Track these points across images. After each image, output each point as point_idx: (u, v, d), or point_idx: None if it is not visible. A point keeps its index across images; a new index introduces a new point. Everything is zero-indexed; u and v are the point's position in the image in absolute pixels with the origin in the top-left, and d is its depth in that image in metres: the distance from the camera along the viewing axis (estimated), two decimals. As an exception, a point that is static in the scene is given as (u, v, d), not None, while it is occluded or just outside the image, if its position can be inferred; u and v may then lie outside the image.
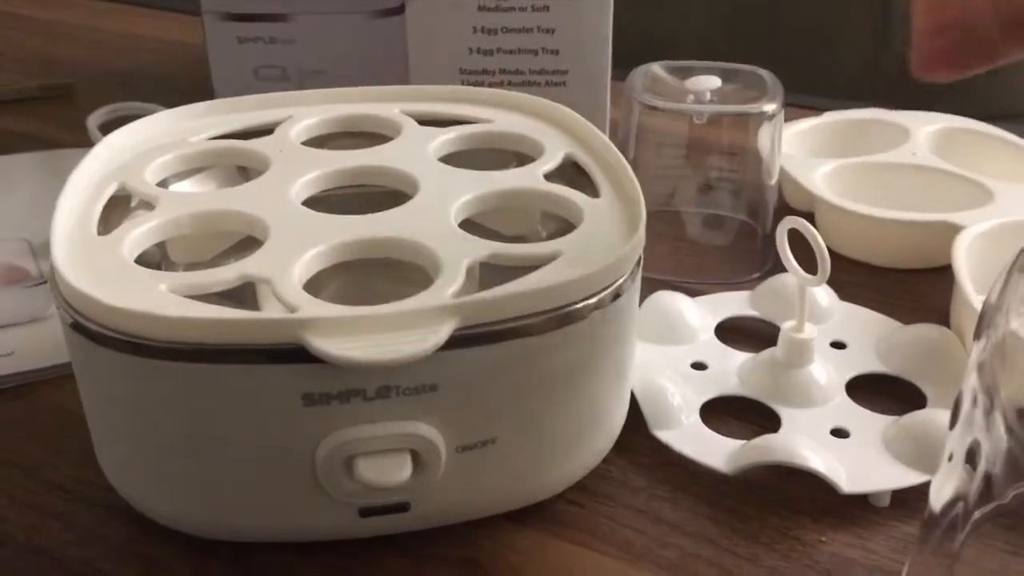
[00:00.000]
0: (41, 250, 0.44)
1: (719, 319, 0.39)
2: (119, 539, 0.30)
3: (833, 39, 1.07)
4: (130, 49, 0.75)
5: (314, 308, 0.26)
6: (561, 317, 0.27)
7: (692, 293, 0.40)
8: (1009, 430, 0.21)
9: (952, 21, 0.22)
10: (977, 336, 0.21)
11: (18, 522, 0.30)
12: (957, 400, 0.22)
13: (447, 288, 0.27)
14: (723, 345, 0.38)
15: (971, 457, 0.22)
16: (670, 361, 0.36)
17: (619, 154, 0.34)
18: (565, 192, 0.32)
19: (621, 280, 0.28)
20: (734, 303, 0.40)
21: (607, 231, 0.30)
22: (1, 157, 0.54)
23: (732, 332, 0.39)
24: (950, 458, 0.23)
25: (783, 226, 0.33)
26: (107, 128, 0.54)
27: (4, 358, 0.37)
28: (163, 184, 0.34)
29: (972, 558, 0.23)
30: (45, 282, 0.42)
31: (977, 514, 0.22)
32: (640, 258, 0.29)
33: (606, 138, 0.35)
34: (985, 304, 0.22)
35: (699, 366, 0.36)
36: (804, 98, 0.65)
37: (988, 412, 0.21)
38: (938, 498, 0.24)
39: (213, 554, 0.29)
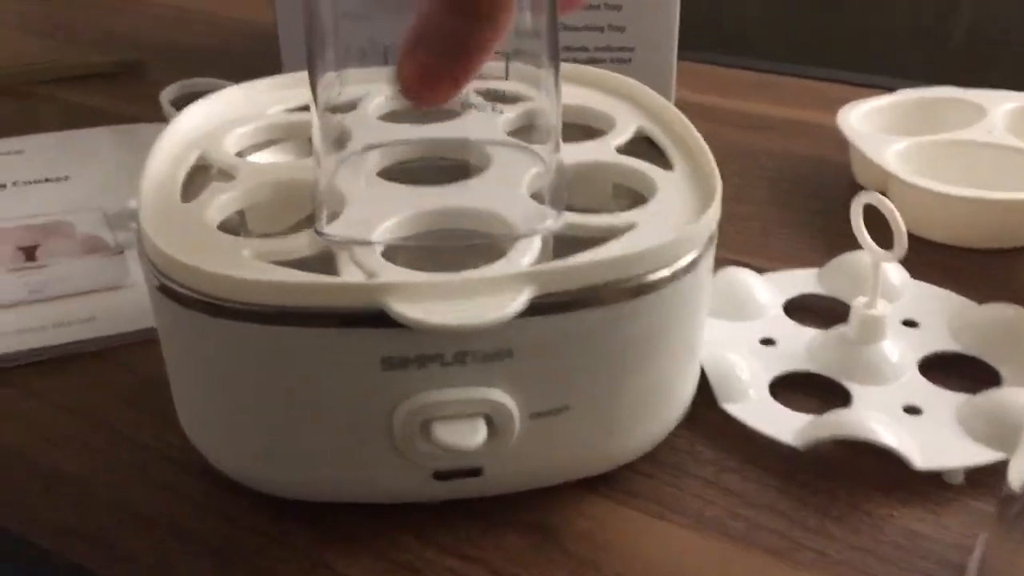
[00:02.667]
0: (116, 221, 0.46)
1: (787, 296, 0.39)
2: (198, 495, 0.31)
3: (890, 30, 1.06)
4: (195, 24, 0.77)
5: (393, 273, 0.26)
6: (636, 287, 0.27)
7: (760, 270, 0.40)
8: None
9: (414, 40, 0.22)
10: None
11: (100, 478, 0.32)
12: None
13: (524, 257, 0.27)
14: (792, 322, 0.37)
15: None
16: (739, 336, 0.36)
17: (692, 127, 0.33)
18: (638, 164, 0.32)
19: (696, 252, 0.28)
20: (802, 281, 0.40)
21: (681, 203, 0.30)
22: (75, 131, 0.55)
23: (800, 310, 0.38)
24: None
25: (857, 201, 0.33)
26: (179, 103, 0.55)
27: (86, 323, 0.39)
28: (241, 155, 0.35)
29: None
30: (123, 252, 0.43)
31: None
32: (715, 232, 0.29)
33: (678, 111, 0.35)
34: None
35: (768, 342, 0.36)
36: (873, 77, 0.64)
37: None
38: (1017, 477, 0.24)
39: (288, 513, 0.30)
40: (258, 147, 0.36)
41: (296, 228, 0.34)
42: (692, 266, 0.28)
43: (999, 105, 0.48)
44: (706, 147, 0.32)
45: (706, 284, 0.30)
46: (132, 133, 0.55)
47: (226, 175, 0.32)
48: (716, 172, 0.30)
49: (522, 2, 0.27)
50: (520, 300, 0.25)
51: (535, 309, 0.26)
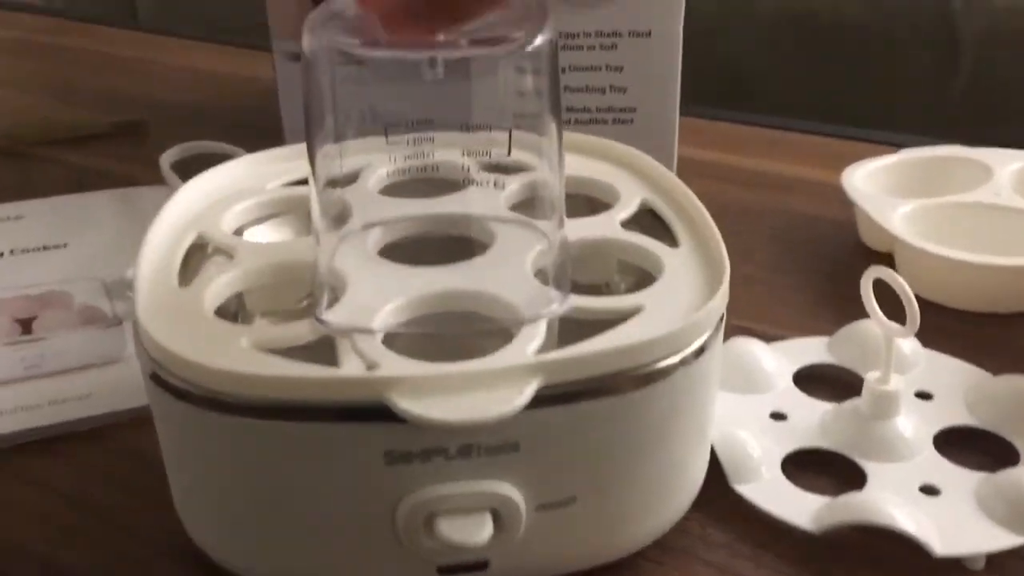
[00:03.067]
0: (116, 290, 0.45)
1: (797, 367, 0.38)
2: (197, 590, 0.30)
3: (898, 66, 1.06)
4: (198, 84, 0.77)
5: (396, 365, 0.25)
6: (645, 375, 0.26)
7: (767, 337, 0.39)
8: None
9: None
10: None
11: (93, 566, 0.31)
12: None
13: (529, 344, 0.26)
14: (803, 394, 0.37)
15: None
16: (749, 411, 0.36)
17: (697, 202, 0.33)
18: (643, 242, 0.32)
19: (706, 336, 0.27)
20: (812, 350, 0.39)
21: (689, 283, 0.29)
22: (77, 195, 0.55)
23: (811, 380, 0.38)
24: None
25: (868, 276, 0.32)
26: (180, 166, 0.55)
27: (82, 400, 0.38)
28: (240, 230, 0.34)
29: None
30: (120, 323, 0.42)
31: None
32: (724, 314, 0.29)
33: (682, 184, 0.34)
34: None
35: (779, 416, 0.36)
36: (875, 132, 0.64)
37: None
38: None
39: (289, 607, 0.29)
40: (259, 221, 0.35)
41: (296, 308, 0.33)
42: (702, 350, 0.27)
43: (1006, 165, 0.48)
44: (711, 222, 0.31)
45: (716, 366, 0.29)
46: (132, 197, 0.55)
47: (225, 255, 0.32)
48: (723, 251, 0.30)
49: (523, 66, 0.27)
50: (526, 393, 0.24)
51: (542, 400, 0.25)
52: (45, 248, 0.49)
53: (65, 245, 0.50)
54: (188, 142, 0.57)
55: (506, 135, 0.36)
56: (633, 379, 0.26)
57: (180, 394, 0.26)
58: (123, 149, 0.63)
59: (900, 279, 0.31)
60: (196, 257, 0.33)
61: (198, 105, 0.71)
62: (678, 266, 0.30)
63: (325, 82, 0.27)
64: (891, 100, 1.09)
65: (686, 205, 0.33)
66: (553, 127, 0.29)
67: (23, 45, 0.92)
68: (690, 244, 0.31)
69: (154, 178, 0.55)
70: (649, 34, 0.50)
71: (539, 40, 0.25)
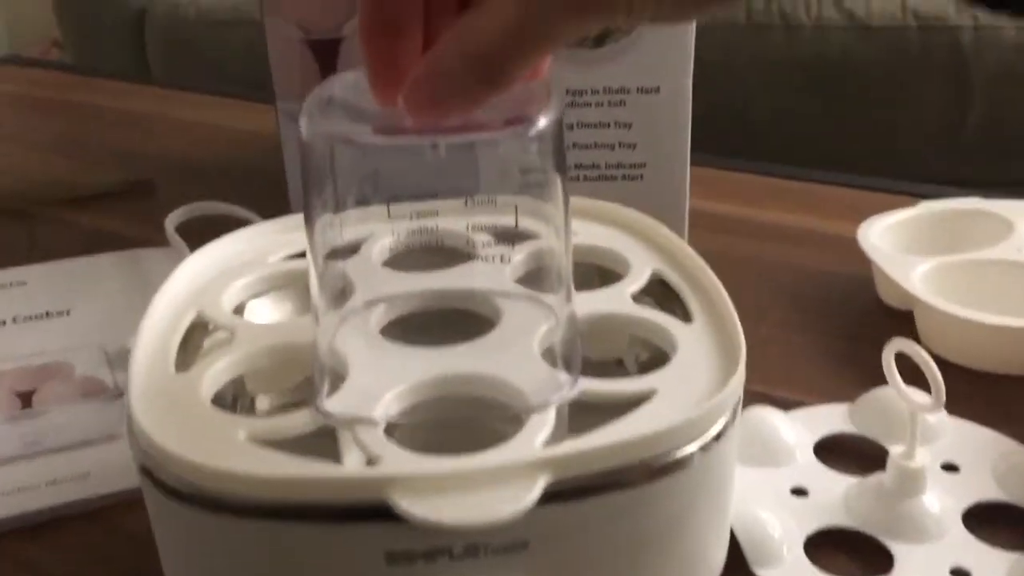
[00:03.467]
0: (117, 360, 0.44)
1: (817, 437, 0.37)
2: None
3: (911, 106, 1.05)
4: (208, 139, 0.77)
5: (399, 461, 0.24)
6: (660, 467, 0.25)
7: (784, 404, 0.38)
8: None
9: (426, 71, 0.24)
10: None
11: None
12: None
13: (537, 435, 0.25)
14: (824, 467, 0.35)
15: None
16: (768, 485, 0.34)
17: (711, 273, 0.32)
18: (656, 317, 0.30)
19: (724, 421, 0.26)
20: (832, 418, 0.38)
21: (703, 363, 0.28)
22: (82, 259, 0.54)
23: (833, 451, 0.36)
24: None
25: (889, 349, 0.31)
26: (185, 228, 0.54)
27: (79, 481, 0.37)
28: (241, 307, 0.33)
29: None
30: (121, 395, 0.42)
31: None
32: (741, 395, 0.27)
33: (695, 254, 0.33)
34: None
35: (800, 492, 0.34)
36: (885, 182, 0.62)
37: None
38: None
39: None
40: (261, 294, 0.34)
41: (297, 390, 0.32)
42: (720, 436, 0.26)
43: (1026, 218, 0.47)
44: (726, 296, 0.30)
45: (735, 450, 0.28)
46: (138, 260, 0.54)
47: (224, 334, 0.31)
48: (739, 327, 0.29)
49: (528, 139, 0.26)
50: (535, 491, 0.23)
51: (551, 496, 0.24)
52: (48, 315, 0.49)
53: (68, 312, 0.49)
54: (193, 203, 0.56)
55: (511, 205, 0.35)
56: (647, 471, 0.25)
57: (171, 492, 0.25)
58: (130, 208, 0.63)
59: (923, 353, 0.30)
60: (197, 334, 0.32)
61: (207, 161, 0.71)
62: (692, 344, 0.29)
63: (324, 166, 0.26)
64: (903, 140, 1.08)
65: (699, 276, 0.32)
66: (560, 200, 0.28)
67: (32, 101, 0.92)
68: (704, 319, 0.30)
69: (161, 238, 0.54)
70: (658, 90, 0.50)
71: (543, 123, 0.24)
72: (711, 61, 0.81)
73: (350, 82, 0.26)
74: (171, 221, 0.54)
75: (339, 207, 0.29)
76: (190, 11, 1.36)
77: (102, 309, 0.49)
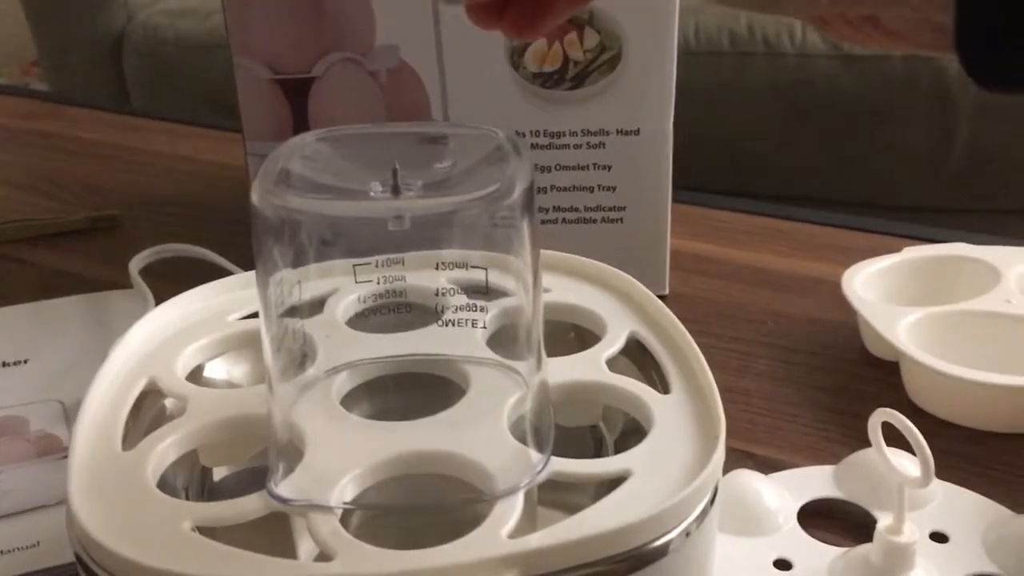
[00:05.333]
0: (74, 414, 0.42)
1: (801, 502, 0.35)
2: None
3: (897, 135, 1.05)
4: (179, 173, 0.75)
5: (355, 558, 0.23)
6: (636, 559, 0.23)
7: (767, 464, 0.37)
8: None
9: None
10: None
11: None
12: None
13: (503, 525, 0.23)
14: (808, 536, 0.34)
15: None
16: (750, 557, 0.33)
17: (688, 336, 0.31)
18: (632, 387, 0.29)
19: (702, 505, 0.25)
20: (816, 482, 0.36)
21: (682, 439, 0.27)
22: (41, 303, 0.52)
23: (818, 517, 0.35)
24: None
25: (875, 419, 0.30)
26: (149, 270, 0.53)
27: (29, 551, 0.35)
28: (198, 370, 0.32)
29: None
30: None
31: None
32: (720, 477, 0.26)
33: (674, 317, 0.32)
34: None
35: (783, 564, 0.33)
36: (873, 221, 0.61)
37: None
38: None
39: None
40: (217, 356, 0.33)
41: (254, 459, 0.31)
42: (699, 520, 0.25)
43: (1013, 266, 0.45)
44: (706, 366, 0.29)
45: (715, 529, 0.26)
46: (101, 303, 0.52)
47: (177, 403, 0.29)
48: (718, 400, 0.27)
49: (498, 215, 0.25)
50: (500, 592, 0.22)
51: (518, 594, 0.22)
52: (4, 365, 0.47)
53: (26, 361, 0.47)
54: (158, 245, 0.54)
55: (482, 262, 0.34)
56: (622, 564, 0.23)
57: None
58: (96, 246, 0.61)
59: (910, 425, 0.29)
60: (150, 401, 0.30)
61: (177, 196, 0.69)
62: (670, 418, 0.28)
63: (282, 238, 0.25)
64: (887, 168, 1.08)
65: (678, 341, 0.31)
66: (529, 265, 0.27)
67: (2, 132, 0.90)
68: (682, 390, 0.29)
69: (126, 279, 0.52)
70: (638, 132, 0.48)
71: (516, 193, 0.23)
72: (693, 88, 0.80)
73: (307, 150, 0.25)
74: (135, 264, 0.53)
75: (298, 266, 0.27)
76: (168, 34, 1.34)
77: (61, 360, 0.47)
